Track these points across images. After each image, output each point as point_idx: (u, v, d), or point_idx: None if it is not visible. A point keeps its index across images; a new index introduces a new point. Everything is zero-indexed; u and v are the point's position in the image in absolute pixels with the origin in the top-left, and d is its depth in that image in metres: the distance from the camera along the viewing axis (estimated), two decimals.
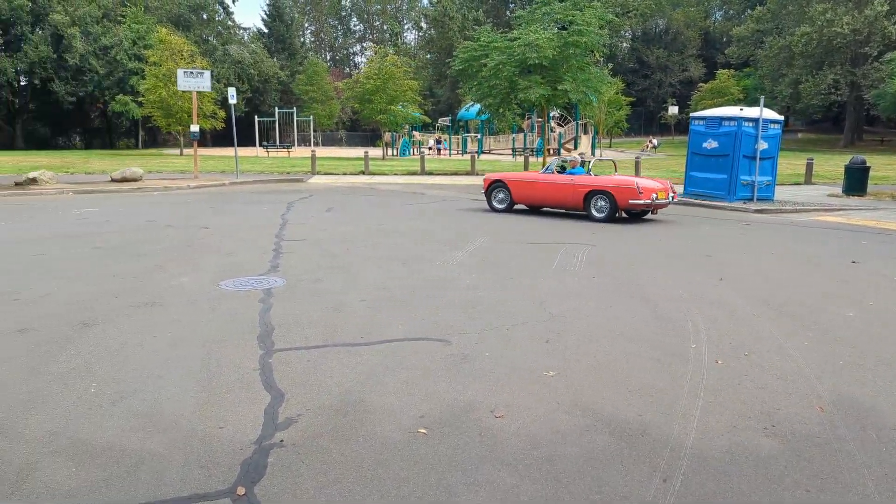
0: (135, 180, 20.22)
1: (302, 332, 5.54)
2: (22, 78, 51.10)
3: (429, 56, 72.80)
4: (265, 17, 67.98)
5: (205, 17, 59.03)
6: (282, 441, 3.65)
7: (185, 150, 40.90)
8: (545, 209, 14.32)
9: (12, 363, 4.77)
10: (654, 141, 53.67)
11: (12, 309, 6.19)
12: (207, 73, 21.47)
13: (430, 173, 26.41)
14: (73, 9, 47.65)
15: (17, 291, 6.84)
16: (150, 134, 56.64)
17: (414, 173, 26.44)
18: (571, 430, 3.83)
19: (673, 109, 56.47)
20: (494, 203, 14.35)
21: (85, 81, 48.58)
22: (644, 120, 69.80)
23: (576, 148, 40.26)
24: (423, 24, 77.33)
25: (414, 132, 45.28)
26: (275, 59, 62.52)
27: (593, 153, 38.35)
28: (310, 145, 46.16)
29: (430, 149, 43.80)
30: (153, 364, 4.78)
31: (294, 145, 46.50)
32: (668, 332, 5.68)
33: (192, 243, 9.94)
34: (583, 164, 13.77)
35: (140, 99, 42.41)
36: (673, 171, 23.79)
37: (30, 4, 46.76)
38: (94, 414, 3.95)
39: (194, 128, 22.56)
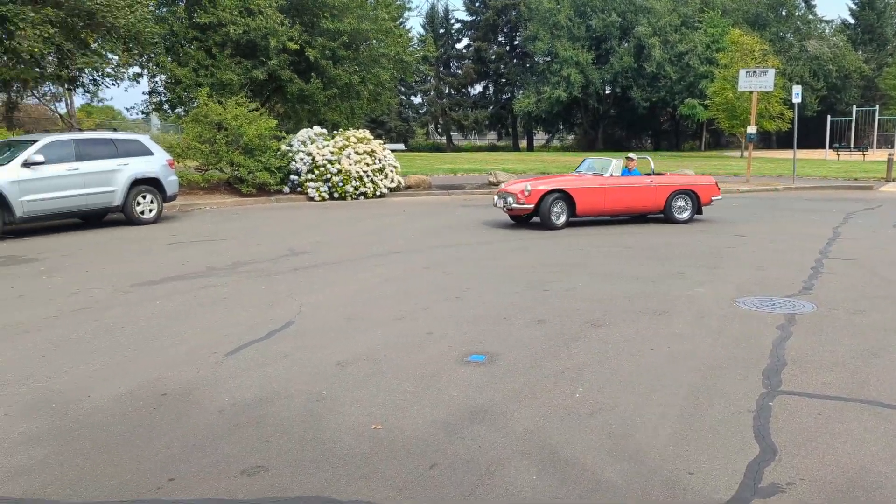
0: None
1: (820, 376, 4.57)
2: (607, 87, 57.31)
3: None
4: (853, 5, 61.00)
5: (783, 13, 56.06)
6: None
7: (749, 153, 39.89)
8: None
9: (522, 351, 5.15)
10: None
11: (539, 298, 6.77)
12: (771, 73, 20.14)
13: None
14: (655, 20, 51.01)
15: (549, 283, 7.48)
16: (713, 136, 57.01)
17: None
18: None
19: None
20: (553, 219, 11.78)
21: (658, 87, 51.57)
22: None
23: None
24: None
25: None
26: (859, 53, 55.66)
27: None
28: (893, 147, 39.73)
29: None
30: (641, 380, 4.55)
31: (872, 148, 40.68)
32: None
33: (720, 251, 9.40)
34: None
35: (706, 102, 43.00)
36: None
37: (619, 20, 51.97)
38: (570, 421, 3.93)
39: (751, 129, 21.64)
